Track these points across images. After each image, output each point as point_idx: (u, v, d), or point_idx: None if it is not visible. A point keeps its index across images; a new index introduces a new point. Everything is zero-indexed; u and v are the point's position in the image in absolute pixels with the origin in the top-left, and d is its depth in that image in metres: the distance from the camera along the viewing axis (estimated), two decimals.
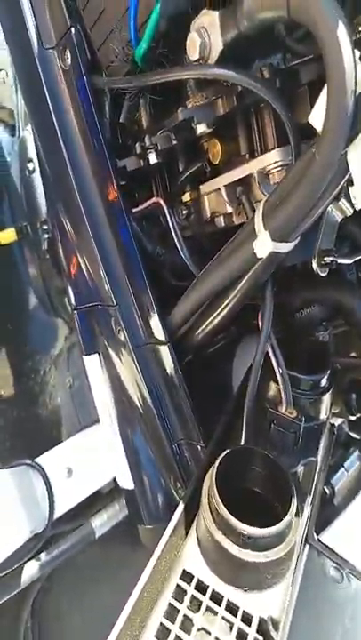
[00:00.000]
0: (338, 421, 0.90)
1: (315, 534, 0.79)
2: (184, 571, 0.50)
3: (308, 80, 0.59)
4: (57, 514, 1.09)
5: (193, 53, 0.56)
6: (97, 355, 0.98)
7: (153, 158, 0.73)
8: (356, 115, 0.46)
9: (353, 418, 0.80)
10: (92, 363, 1.00)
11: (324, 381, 0.70)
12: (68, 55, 0.75)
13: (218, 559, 0.50)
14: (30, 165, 1.44)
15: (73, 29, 0.73)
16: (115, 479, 1.17)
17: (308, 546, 0.77)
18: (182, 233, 0.82)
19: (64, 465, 1.12)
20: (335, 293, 0.73)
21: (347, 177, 0.53)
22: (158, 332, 0.81)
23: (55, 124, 0.78)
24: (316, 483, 0.67)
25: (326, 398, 0.70)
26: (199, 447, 0.81)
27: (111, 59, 0.69)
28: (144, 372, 0.85)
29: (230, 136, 0.67)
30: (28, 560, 1.07)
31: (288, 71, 0.58)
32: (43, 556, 1.07)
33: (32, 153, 1.43)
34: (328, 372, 0.70)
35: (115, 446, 1.01)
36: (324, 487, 0.83)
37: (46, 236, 1.46)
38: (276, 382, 0.69)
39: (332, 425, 0.80)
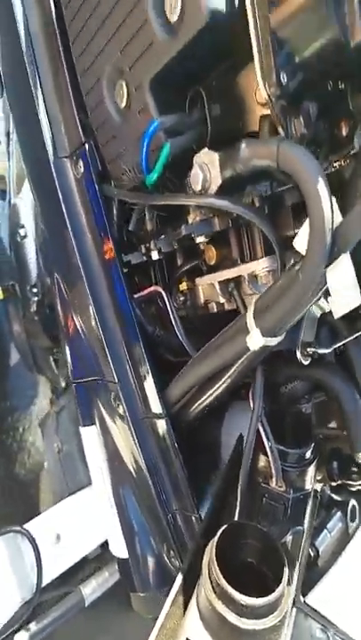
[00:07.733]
0: (320, 485, 0.98)
1: (301, 597, 0.85)
2: (187, 639, 0.56)
3: (291, 203, 0.71)
4: (45, 580, 1.09)
5: (196, 185, 0.67)
6: (94, 426, 1.03)
7: (155, 255, 0.83)
8: (333, 244, 0.57)
9: (334, 484, 0.88)
10: (90, 434, 1.05)
11: (309, 454, 0.79)
12: (81, 165, 0.87)
13: (218, 627, 0.56)
14: (22, 231, 1.55)
15: (87, 145, 0.85)
16: (102, 544, 1.19)
17: (295, 609, 0.83)
18: (178, 313, 0.91)
19: (53, 531, 1.14)
20: (317, 373, 0.83)
21: (324, 288, 0.63)
22: (156, 407, 0.88)
23: (67, 223, 0.89)
24: (303, 549, 0.75)
25: (311, 469, 0.78)
26: (193, 518, 0.86)
27: (121, 173, 0.80)
28: (141, 444, 0.90)
29: (224, 244, 0.78)
30: (19, 629, 1.06)
31: (275, 196, 0.70)
32: (32, 625, 1.07)
33: (24, 220, 1.54)
34: (312, 444, 0.79)
35: (109, 516, 1.04)
36: (309, 550, 0.90)
37: (35, 298, 1.55)
38: (265, 455, 0.77)
39: (316, 491, 0.87)
